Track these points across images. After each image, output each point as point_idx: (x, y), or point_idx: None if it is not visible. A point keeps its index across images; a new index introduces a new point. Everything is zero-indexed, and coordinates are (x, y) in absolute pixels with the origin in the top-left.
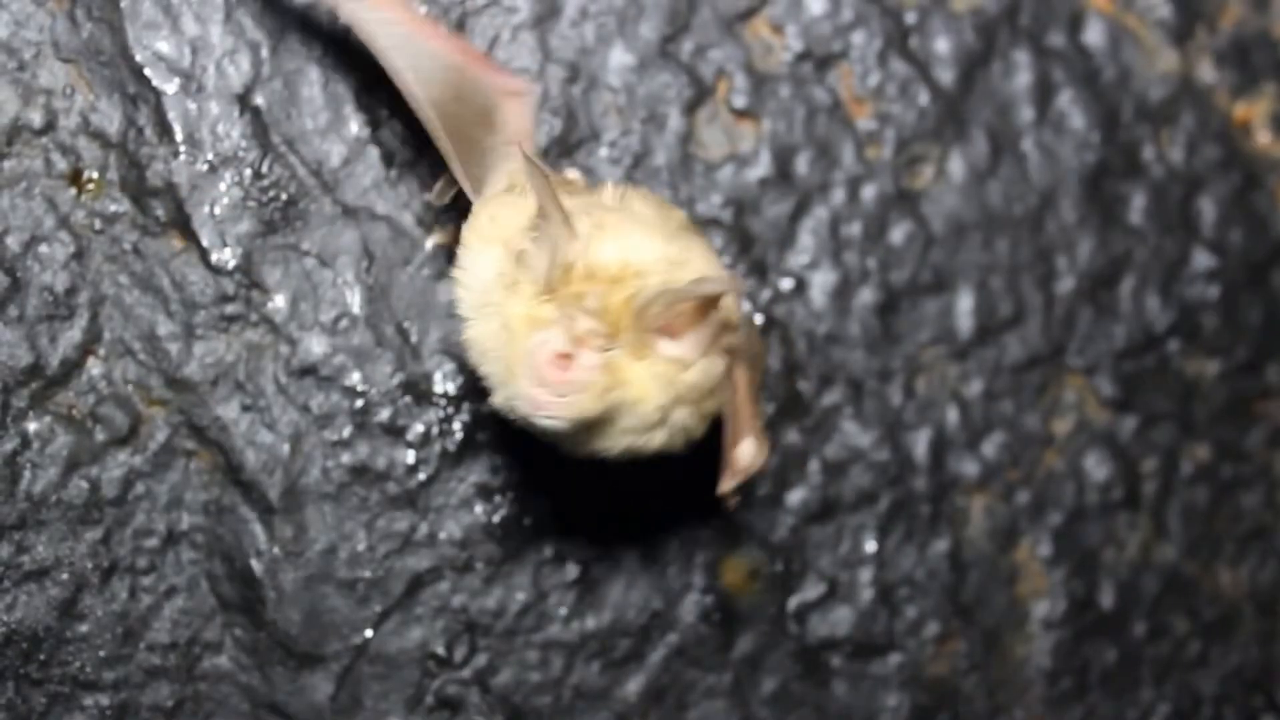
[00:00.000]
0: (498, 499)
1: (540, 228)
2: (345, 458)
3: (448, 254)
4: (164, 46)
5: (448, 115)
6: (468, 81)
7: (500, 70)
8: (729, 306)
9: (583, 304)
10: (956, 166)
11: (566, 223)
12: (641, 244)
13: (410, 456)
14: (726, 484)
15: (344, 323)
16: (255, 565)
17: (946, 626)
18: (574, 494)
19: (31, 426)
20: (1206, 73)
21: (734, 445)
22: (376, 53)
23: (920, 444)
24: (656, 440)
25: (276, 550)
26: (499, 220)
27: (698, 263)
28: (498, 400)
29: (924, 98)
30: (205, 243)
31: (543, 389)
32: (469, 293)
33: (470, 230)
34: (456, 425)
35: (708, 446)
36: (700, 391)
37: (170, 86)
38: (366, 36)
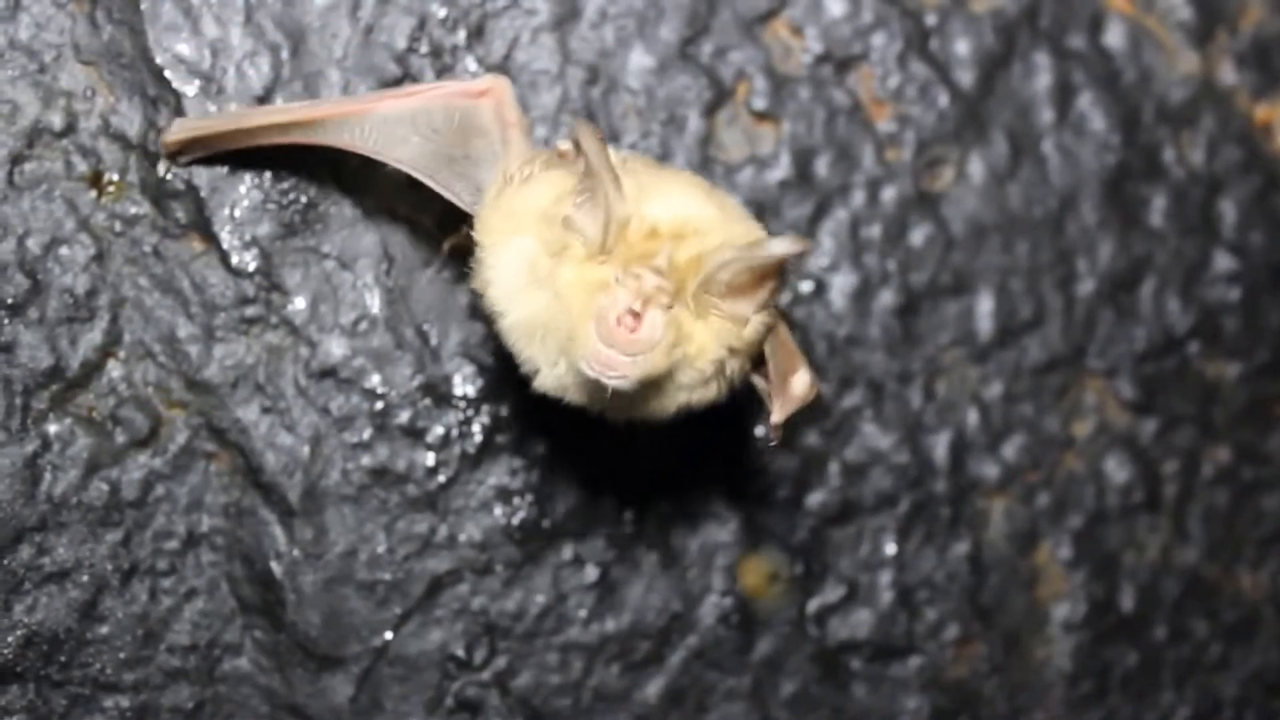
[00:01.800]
0: (517, 501)
1: (588, 191)
2: (365, 460)
3: (462, 256)
4: (184, 49)
5: (427, 158)
6: (430, 109)
7: (458, 83)
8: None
9: (652, 262)
10: (976, 168)
11: (618, 183)
12: (692, 202)
13: (430, 459)
14: (780, 414)
15: (364, 325)
16: (275, 567)
17: (966, 629)
18: (593, 496)
19: (52, 429)
20: (1227, 75)
21: (785, 378)
22: (368, 155)
23: (940, 446)
24: (710, 394)
25: (296, 552)
26: (516, 210)
27: (739, 217)
28: (546, 381)
29: (944, 100)
30: (225, 245)
31: (613, 349)
32: (502, 287)
33: (485, 232)
34: (476, 428)
35: (724, 451)
36: (752, 345)
37: (190, 89)
38: (344, 148)
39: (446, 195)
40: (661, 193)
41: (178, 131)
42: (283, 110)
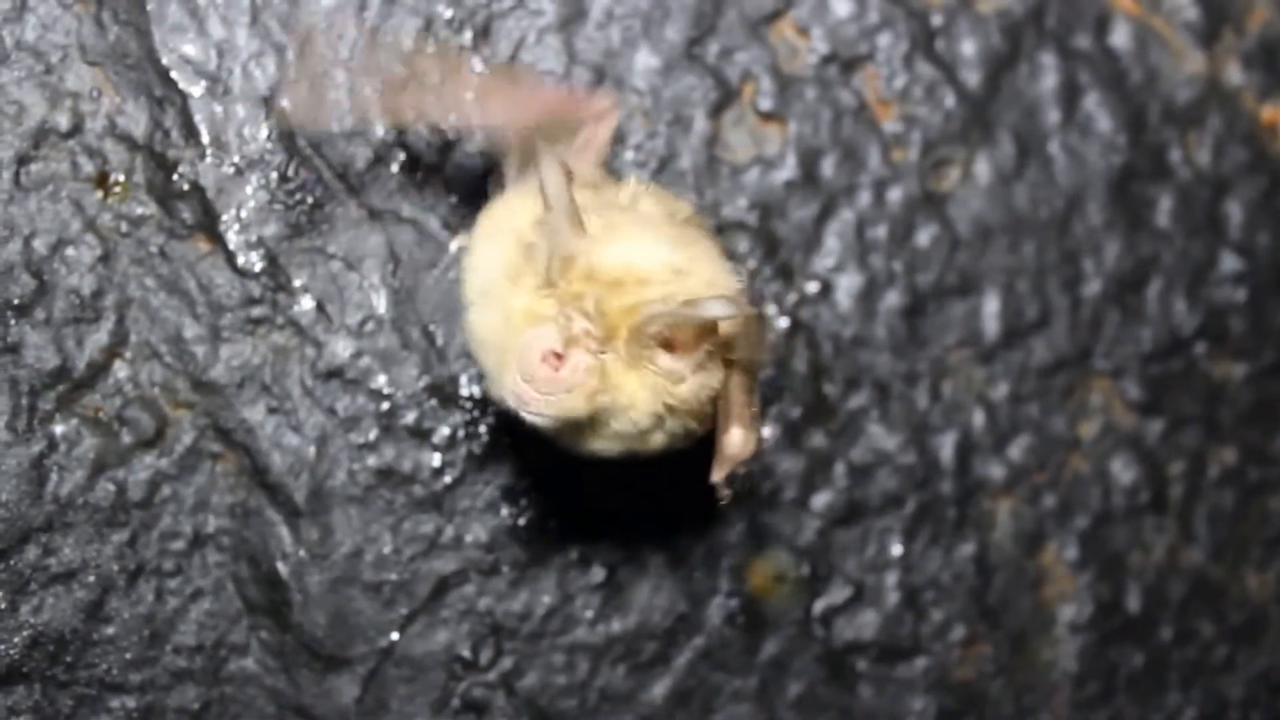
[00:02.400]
0: (523, 502)
1: (546, 214)
2: (371, 460)
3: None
4: (190, 49)
5: (531, 138)
6: (557, 118)
7: (585, 96)
8: (730, 323)
9: (580, 304)
10: (983, 169)
11: (573, 216)
12: (648, 250)
13: (436, 459)
14: (717, 473)
15: (370, 325)
16: (281, 568)
17: (972, 630)
18: (600, 497)
19: (58, 429)
20: (1234, 75)
21: (725, 431)
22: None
23: (946, 447)
24: (654, 443)
25: (302, 553)
26: (515, 210)
27: (704, 273)
28: (492, 391)
29: (950, 100)
30: (231, 245)
31: (530, 385)
32: (475, 278)
33: (486, 218)
34: (482, 428)
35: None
36: (692, 403)
37: (196, 89)
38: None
39: (514, 156)
40: (626, 237)
41: (388, 105)
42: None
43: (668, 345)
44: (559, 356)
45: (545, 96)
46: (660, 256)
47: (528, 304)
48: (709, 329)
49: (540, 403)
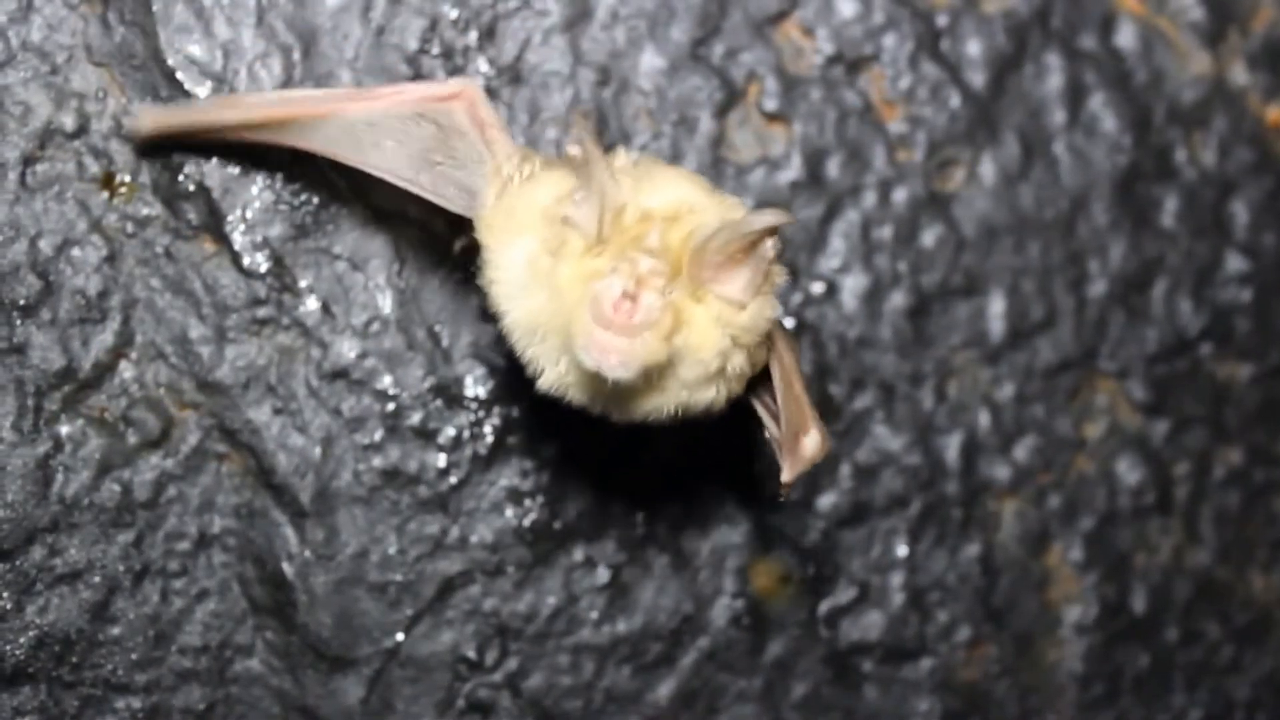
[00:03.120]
0: (529, 503)
1: (585, 186)
2: (376, 461)
3: (473, 257)
4: (196, 50)
5: (405, 162)
6: (403, 115)
7: (424, 85)
8: (774, 247)
9: (643, 243)
10: (988, 169)
11: (612, 171)
12: (689, 187)
13: (441, 460)
14: (790, 475)
15: (375, 326)
16: (287, 568)
17: (978, 631)
18: (605, 498)
19: (64, 430)
20: (1239, 75)
21: (797, 436)
22: (340, 160)
23: (951, 448)
24: (710, 394)
25: (308, 553)
26: (515, 213)
27: (732, 198)
28: (548, 380)
29: (955, 100)
30: (237, 246)
31: (608, 333)
32: (507, 284)
33: (489, 234)
34: (487, 429)
35: (735, 453)
36: (754, 334)
37: (202, 90)
38: (315, 150)
39: (435, 199)
40: (658, 185)
41: (147, 122)
42: (253, 104)
43: (722, 267)
44: (631, 300)
45: (376, 92)
46: (703, 190)
47: (575, 268)
48: (758, 244)
49: (623, 348)
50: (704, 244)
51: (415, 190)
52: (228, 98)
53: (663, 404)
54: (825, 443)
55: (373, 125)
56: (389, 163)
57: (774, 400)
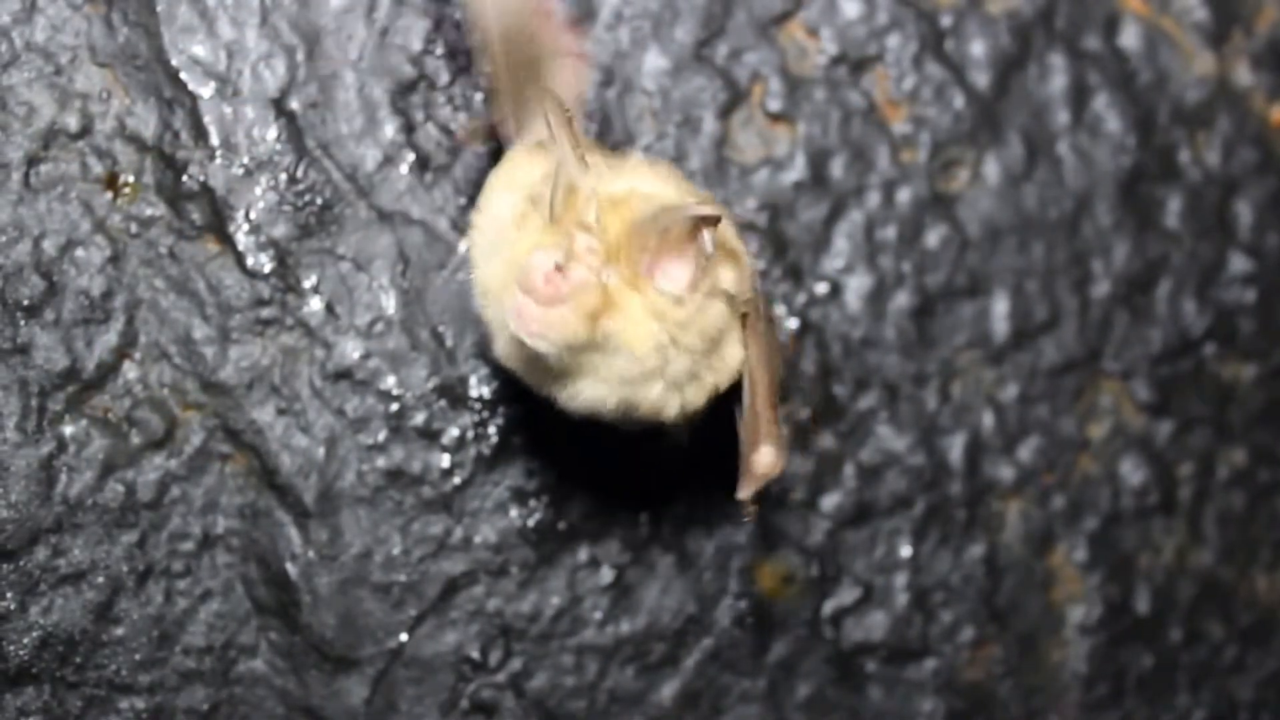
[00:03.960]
0: (532, 503)
1: (555, 164)
2: (380, 461)
3: None
4: (200, 50)
5: (512, 49)
6: (537, 27)
7: (568, 32)
8: (726, 240)
9: (582, 220)
10: (992, 170)
11: (576, 146)
12: (653, 181)
13: (445, 460)
14: (744, 490)
15: (379, 326)
16: (290, 569)
17: (982, 631)
18: (609, 498)
19: (68, 430)
20: (1243, 75)
21: (752, 450)
22: None
23: (955, 448)
24: (653, 393)
25: (311, 554)
26: (523, 169)
27: (700, 198)
28: (497, 348)
29: (959, 101)
30: (241, 247)
31: (530, 299)
32: (483, 235)
33: (495, 175)
34: (491, 429)
35: (737, 453)
36: (696, 334)
37: (206, 90)
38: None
39: (500, 98)
40: (630, 174)
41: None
42: None
43: (660, 255)
44: (560, 271)
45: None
46: (664, 186)
47: (528, 242)
48: (697, 242)
49: (541, 320)
50: (639, 226)
51: (493, 74)
52: None
53: (604, 396)
54: (779, 458)
55: (521, 7)
56: (505, 37)
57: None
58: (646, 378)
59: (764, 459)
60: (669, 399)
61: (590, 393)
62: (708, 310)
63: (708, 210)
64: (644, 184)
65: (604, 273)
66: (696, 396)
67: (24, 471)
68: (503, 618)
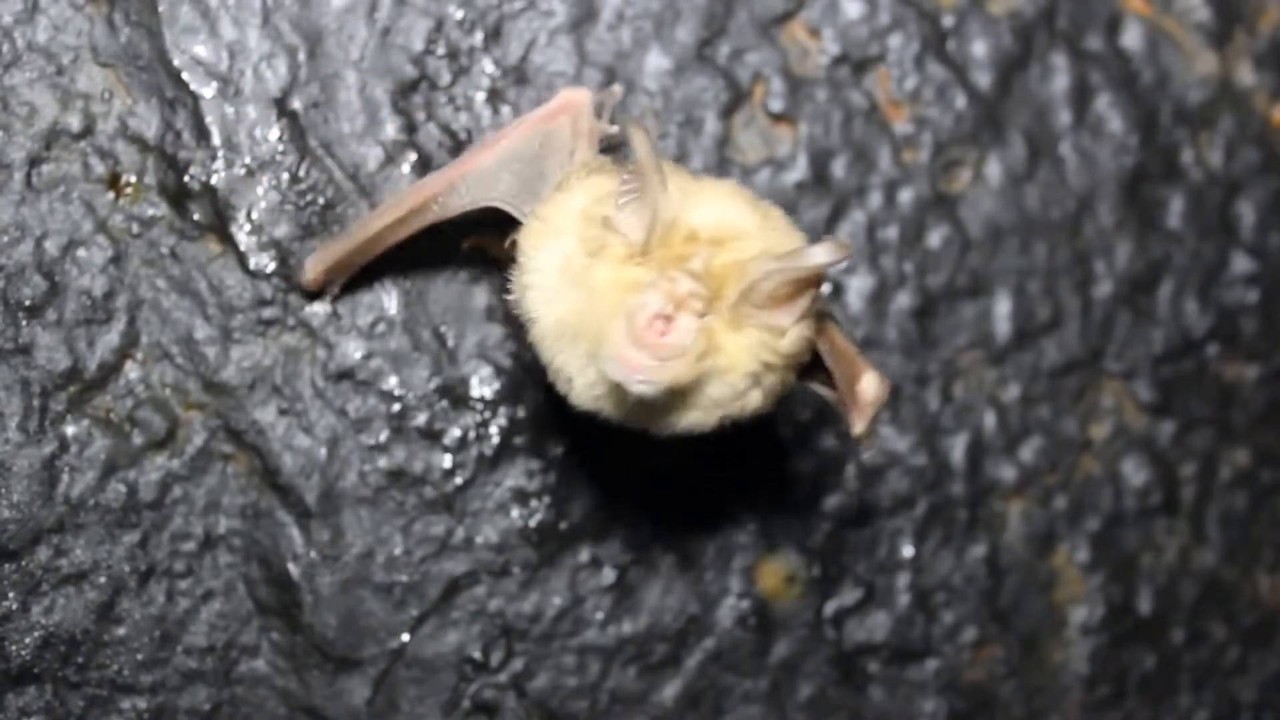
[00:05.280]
0: (534, 503)
1: (633, 190)
2: (382, 462)
3: (481, 257)
4: (202, 50)
5: (515, 191)
6: (519, 150)
7: (539, 110)
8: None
9: (687, 265)
10: (994, 170)
11: (665, 183)
12: (732, 205)
13: (447, 461)
14: (859, 424)
15: (381, 327)
16: (292, 569)
17: (984, 632)
18: (611, 498)
19: (69, 430)
20: (1245, 76)
21: (853, 387)
22: (462, 209)
23: (957, 449)
24: (750, 405)
25: (313, 554)
26: (558, 215)
27: (779, 220)
28: (580, 394)
29: (961, 101)
30: (243, 247)
31: (640, 351)
32: (539, 288)
33: (528, 235)
34: (493, 429)
35: (741, 453)
36: (791, 358)
37: (208, 90)
38: (446, 217)
39: (520, 217)
40: (704, 199)
41: (314, 268)
42: (394, 206)
43: (771, 300)
44: (667, 320)
45: (514, 134)
46: (747, 215)
47: (614, 274)
48: (812, 279)
49: (651, 369)
50: (758, 282)
51: (516, 214)
52: (371, 213)
53: (701, 420)
54: (884, 381)
55: (497, 166)
56: (502, 194)
57: (826, 374)
58: (743, 396)
59: (870, 386)
60: (767, 402)
61: (686, 421)
62: (804, 332)
63: (830, 259)
64: (730, 214)
65: (708, 316)
66: (784, 388)
67: (26, 471)
68: (504, 618)
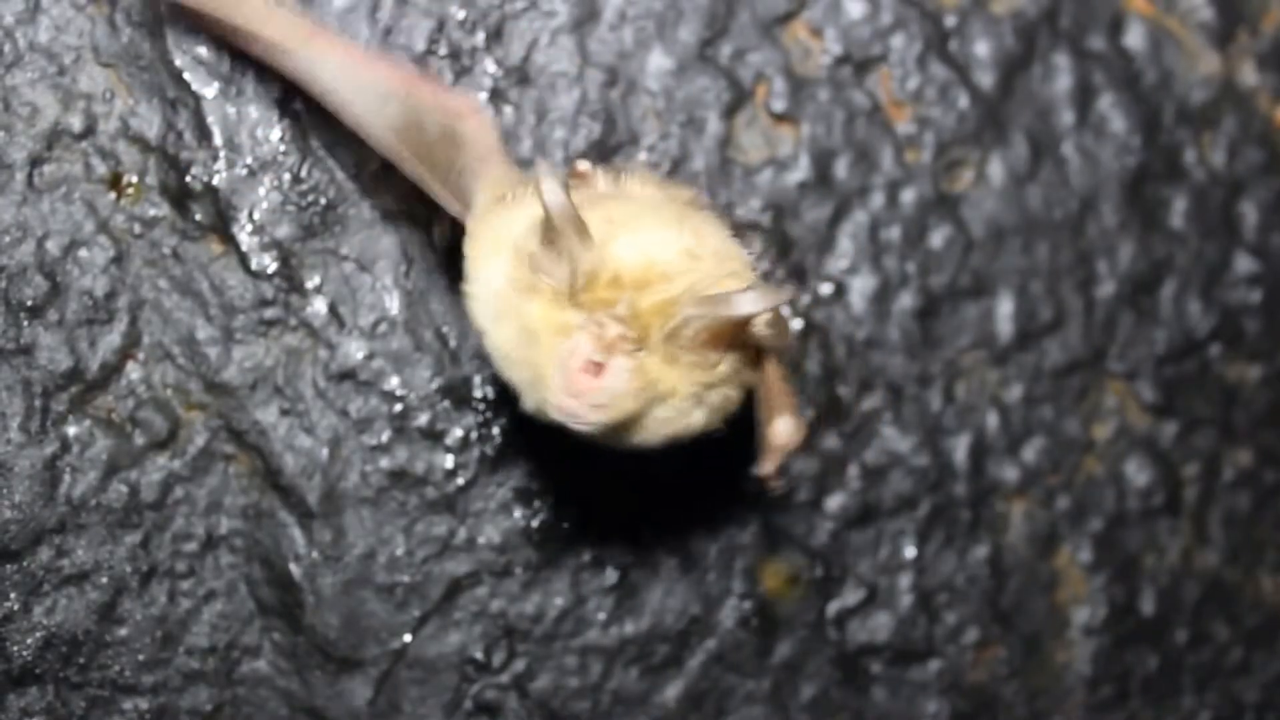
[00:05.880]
0: (536, 503)
1: (553, 233)
2: (384, 462)
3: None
4: (203, 51)
5: (411, 142)
6: (421, 107)
7: (449, 92)
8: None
9: (612, 311)
10: (996, 170)
11: (582, 229)
12: (659, 238)
13: (449, 461)
14: (767, 465)
15: (383, 327)
16: (294, 569)
17: (986, 633)
18: (613, 499)
19: (71, 430)
20: (1248, 75)
21: (769, 424)
22: (319, 95)
23: (960, 449)
24: (696, 422)
25: (315, 554)
26: (498, 231)
27: (710, 246)
28: (527, 405)
29: (964, 101)
30: (244, 247)
31: (577, 398)
32: (483, 305)
33: (472, 245)
34: (495, 430)
35: (744, 453)
36: (731, 381)
37: (210, 90)
38: (304, 79)
39: (430, 193)
40: (632, 229)
41: None
42: (260, 18)
43: (698, 340)
44: (598, 365)
45: (406, 73)
46: (672, 243)
47: (545, 314)
48: (741, 321)
49: (590, 413)
50: (679, 326)
51: (413, 177)
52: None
53: (647, 438)
54: (797, 428)
55: (391, 96)
56: (390, 140)
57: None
58: (687, 415)
59: (782, 430)
60: (713, 417)
61: (634, 440)
62: (741, 355)
63: (756, 306)
64: (654, 252)
65: (640, 356)
66: (736, 400)
67: (28, 472)
68: (506, 618)
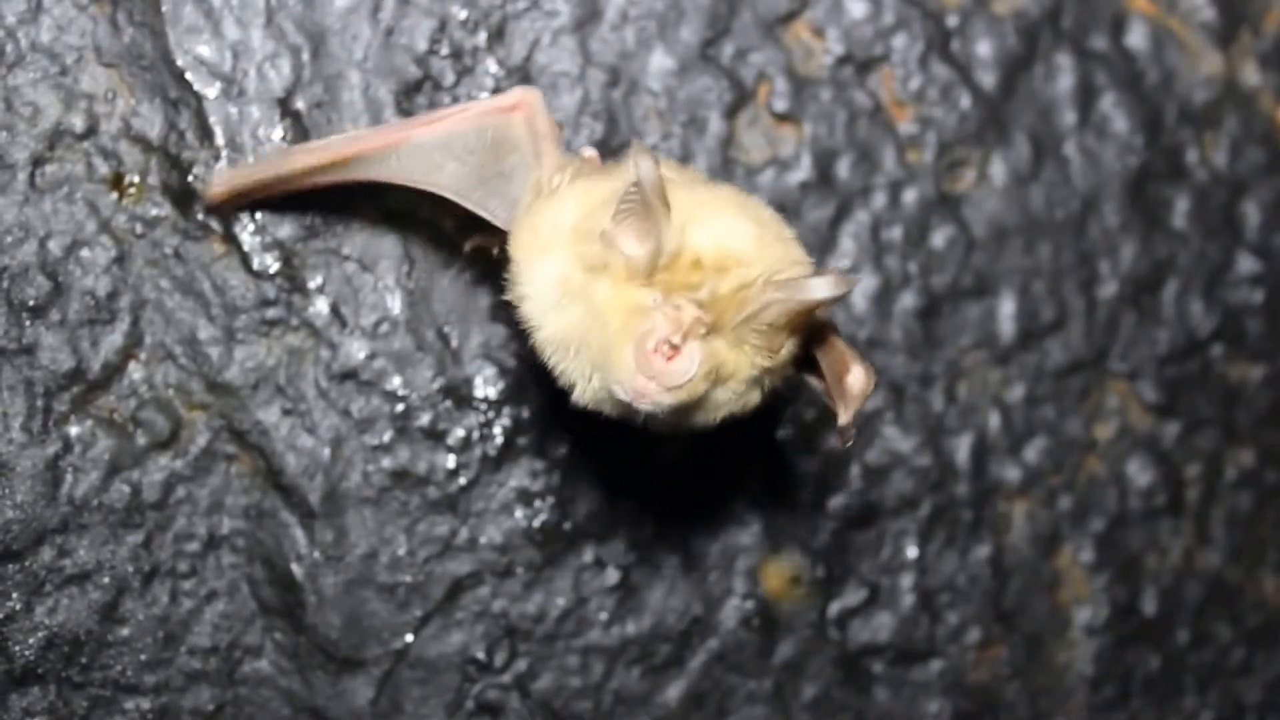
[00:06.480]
0: (538, 504)
1: (637, 209)
2: (386, 462)
3: (484, 259)
4: (205, 51)
5: (463, 180)
6: (466, 138)
7: (487, 101)
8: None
9: (693, 294)
10: (998, 170)
11: (669, 213)
12: (731, 226)
13: (451, 461)
14: (845, 415)
15: (385, 327)
16: (296, 569)
17: (988, 633)
18: (614, 499)
19: (73, 430)
20: (1251, 75)
21: (841, 379)
22: (383, 183)
23: (962, 449)
24: (752, 402)
25: (317, 554)
26: (540, 231)
27: (773, 232)
28: (584, 396)
29: (965, 101)
30: (246, 247)
31: (650, 380)
32: (538, 298)
33: (517, 246)
34: (497, 430)
35: (746, 453)
36: (788, 364)
37: (211, 90)
38: (370, 181)
39: (482, 214)
40: (703, 218)
41: (220, 184)
42: (320, 149)
43: (773, 325)
44: (674, 347)
45: (437, 117)
46: (744, 231)
47: (616, 293)
48: (811, 307)
49: (662, 395)
50: (758, 311)
51: (469, 206)
52: (296, 147)
53: (701, 420)
54: (870, 375)
55: (437, 147)
56: (449, 182)
57: (818, 368)
58: (744, 396)
59: (857, 378)
60: (760, 398)
61: (690, 420)
62: (795, 347)
63: (834, 290)
64: (732, 240)
65: (714, 340)
66: (779, 383)
67: (29, 472)
68: (508, 618)
